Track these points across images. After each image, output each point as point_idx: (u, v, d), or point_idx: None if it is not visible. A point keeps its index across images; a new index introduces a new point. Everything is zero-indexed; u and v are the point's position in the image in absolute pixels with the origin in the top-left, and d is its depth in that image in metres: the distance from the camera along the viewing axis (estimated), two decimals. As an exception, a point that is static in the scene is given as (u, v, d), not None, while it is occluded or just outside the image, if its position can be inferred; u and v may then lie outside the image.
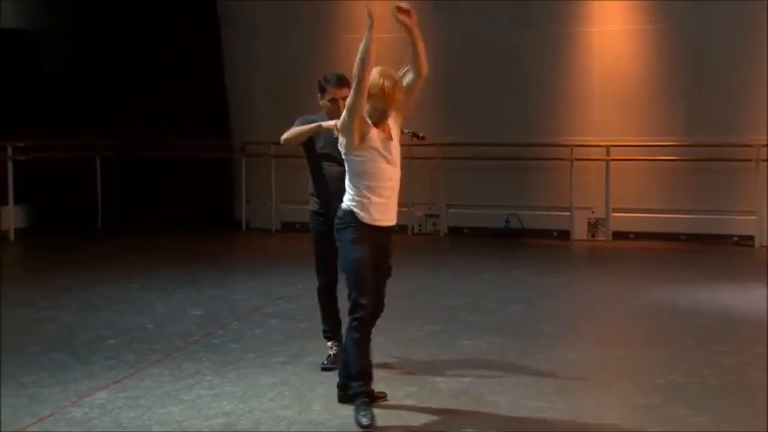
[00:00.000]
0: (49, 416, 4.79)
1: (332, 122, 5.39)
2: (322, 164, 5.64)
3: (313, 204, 5.77)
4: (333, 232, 5.66)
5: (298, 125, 5.63)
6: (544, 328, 6.84)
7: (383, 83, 4.71)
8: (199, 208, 12.61)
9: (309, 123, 5.60)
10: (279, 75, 12.52)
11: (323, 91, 5.65)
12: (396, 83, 4.76)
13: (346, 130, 4.78)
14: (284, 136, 5.63)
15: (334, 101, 5.57)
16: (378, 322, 4.98)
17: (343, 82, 5.58)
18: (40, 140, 11.90)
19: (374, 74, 4.70)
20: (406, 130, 5.48)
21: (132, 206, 12.82)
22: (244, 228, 12.59)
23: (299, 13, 12.44)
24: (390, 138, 4.85)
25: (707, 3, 11.01)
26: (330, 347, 5.74)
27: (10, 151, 11.64)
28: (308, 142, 5.62)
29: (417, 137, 5.66)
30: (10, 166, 11.62)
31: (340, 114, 5.59)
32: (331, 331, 5.75)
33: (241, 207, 12.66)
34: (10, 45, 12.34)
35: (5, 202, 11.64)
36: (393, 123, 4.90)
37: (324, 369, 5.60)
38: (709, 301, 7.83)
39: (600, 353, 6.21)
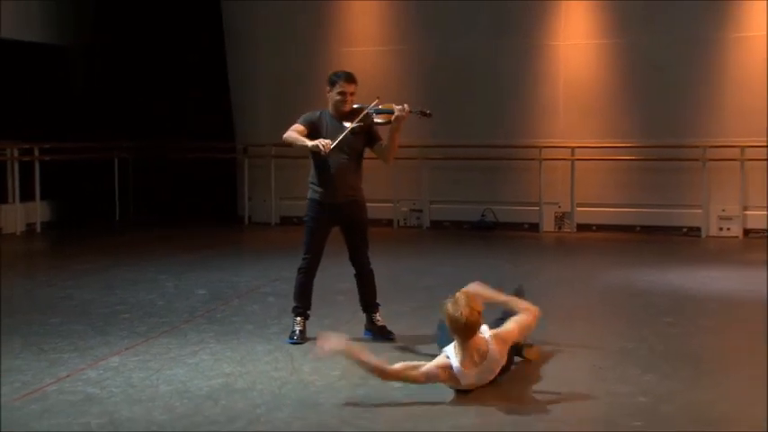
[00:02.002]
0: (67, 376, 4.81)
1: (322, 141, 5.33)
2: (328, 156, 5.47)
3: (313, 194, 5.67)
4: (330, 221, 5.65)
5: (301, 122, 5.58)
6: (515, 305, 6.85)
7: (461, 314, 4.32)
8: (206, 204, 12.67)
9: (311, 121, 5.58)
10: (278, 84, 12.55)
11: (333, 84, 5.58)
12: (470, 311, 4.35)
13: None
14: (286, 136, 5.54)
15: (342, 94, 5.55)
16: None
17: (352, 78, 5.58)
18: (64, 143, 11.91)
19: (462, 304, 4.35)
20: (413, 109, 5.52)
21: (146, 202, 12.85)
22: (246, 222, 12.60)
23: (297, 29, 12.48)
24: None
25: (659, 21, 11.12)
26: (298, 323, 5.66)
27: (36, 152, 11.66)
28: (314, 135, 5.50)
29: (425, 114, 5.68)
30: (36, 165, 11.64)
31: (347, 107, 5.58)
32: (303, 308, 5.71)
33: (244, 203, 12.67)
34: (40, 58, 12.39)
35: (32, 198, 11.65)
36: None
37: (294, 343, 5.52)
38: (660, 281, 7.88)
39: (563, 325, 6.23)
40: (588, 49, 11.47)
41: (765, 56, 10.59)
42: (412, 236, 11.58)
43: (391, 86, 11.09)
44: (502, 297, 4.90)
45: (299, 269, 5.75)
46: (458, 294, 4.46)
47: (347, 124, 5.57)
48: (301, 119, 5.63)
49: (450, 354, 4.46)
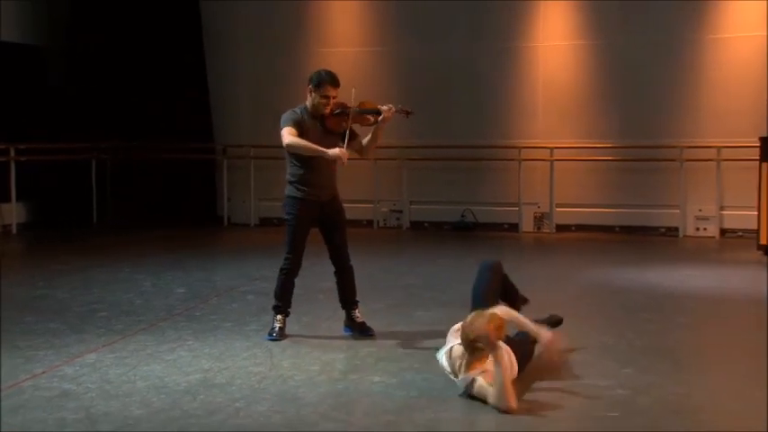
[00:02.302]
0: (43, 373, 4.76)
1: (336, 151, 5.32)
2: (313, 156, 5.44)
3: (296, 192, 5.61)
4: (312, 219, 5.63)
5: (291, 125, 5.47)
6: (492, 302, 6.87)
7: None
8: (185, 205, 12.59)
9: (297, 122, 5.50)
10: (258, 84, 12.52)
11: (318, 86, 5.49)
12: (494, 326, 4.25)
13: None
14: (291, 142, 5.42)
15: (326, 98, 5.50)
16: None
17: (337, 83, 5.53)
18: (41, 143, 11.80)
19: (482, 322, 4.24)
20: (396, 108, 5.55)
21: (125, 203, 12.74)
22: (225, 223, 12.54)
23: (276, 29, 12.46)
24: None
25: (635, 22, 11.20)
26: (278, 320, 5.63)
27: (12, 152, 11.54)
28: (299, 135, 5.45)
29: (406, 112, 5.69)
30: (12, 166, 11.51)
31: (328, 110, 5.53)
32: (284, 307, 5.67)
33: (223, 204, 12.62)
34: (15, 58, 12.26)
35: (8, 200, 11.52)
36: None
37: (273, 340, 5.50)
38: (638, 279, 7.94)
39: (542, 321, 6.26)
40: (566, 51, 11.54)
41: (745, 57, 10.70)
42: (391, 236, 11.58)
43: (370, 87, 11.04)
44: (530, 325, 4.67)
45: (282, 269, 5.70)
46: (489, 312, 4.33)
47: (329, 124, 5.61)
48: (289, 121, 5.52)
49: (453, 340, 4.47)
